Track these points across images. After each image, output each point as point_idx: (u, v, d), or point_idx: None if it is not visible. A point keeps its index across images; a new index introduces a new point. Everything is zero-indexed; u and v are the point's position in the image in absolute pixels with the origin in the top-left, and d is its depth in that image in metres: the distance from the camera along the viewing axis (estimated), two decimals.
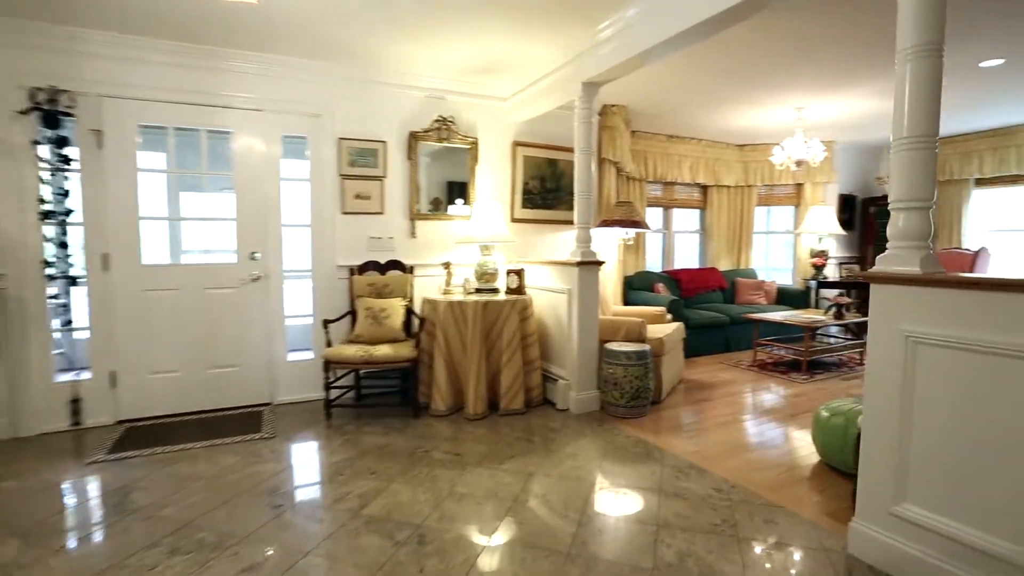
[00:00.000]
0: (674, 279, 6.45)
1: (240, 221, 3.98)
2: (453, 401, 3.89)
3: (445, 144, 4.58)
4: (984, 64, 4.25)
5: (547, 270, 4.26)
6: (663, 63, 4.06)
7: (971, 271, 5.83)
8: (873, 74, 4.41)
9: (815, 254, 6.96)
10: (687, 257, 7.41)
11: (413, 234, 4.56)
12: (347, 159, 4.26)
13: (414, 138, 4.46)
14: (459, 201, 4.70)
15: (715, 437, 3.41)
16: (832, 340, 5.80)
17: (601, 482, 2.77)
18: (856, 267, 7.10)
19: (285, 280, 4.20)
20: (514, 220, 4.98)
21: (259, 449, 3.20)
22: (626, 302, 5.95)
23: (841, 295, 5.16)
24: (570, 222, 5.03)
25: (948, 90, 4.82)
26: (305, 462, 3.04)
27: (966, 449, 1.80)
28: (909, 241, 1.94)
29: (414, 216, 4.53)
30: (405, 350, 3.73)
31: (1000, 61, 4.18)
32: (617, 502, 2.55)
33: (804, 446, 3.25)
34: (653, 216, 6.95)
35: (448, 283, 4.35)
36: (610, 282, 5.61)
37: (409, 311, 4.15)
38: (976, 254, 5.88)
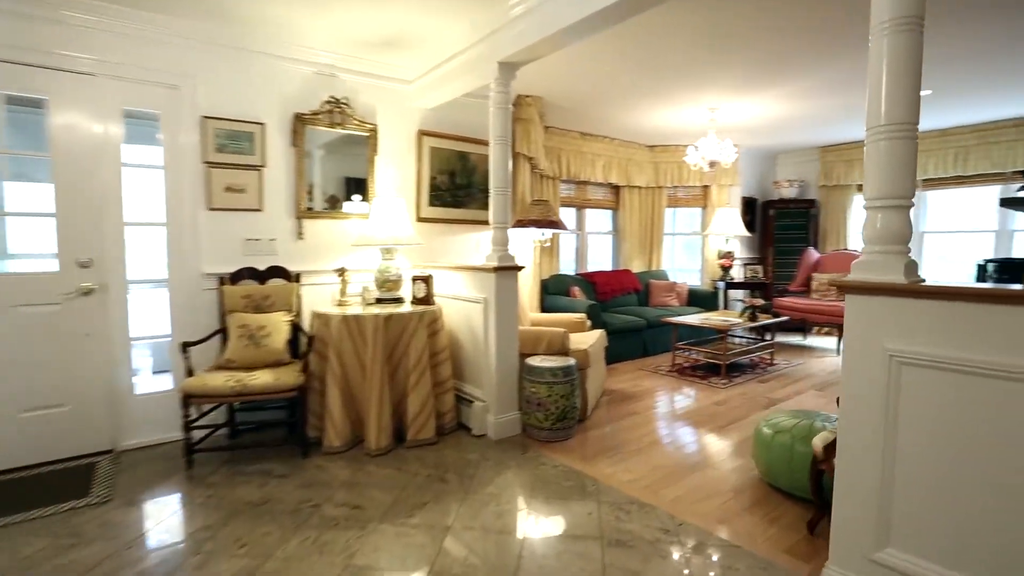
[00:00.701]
0: (590, 282, 6.22)
1: (62, 218, 3.08)
2: (351, 434, 3.28)
3: (339, 130, 3.93)
4: None
5: (459, 276, 3.76)
6: (582, 50, 3.72)
7: None
8: (785, 76, 4.38)
9: (722, 255, 7.06)
10: (599, 259, 7.25)
11: (300, 235, 3.86)
12: (214, 143, 3.48)
13: (300, 121, 3.77)
14: (356, 197, 4.07)
15: (650, 459, 3.10)
16: (739, 340, 5.84)
17: (533, 532, 2.33)
18: (759, 268, 7.32)
19: (135, 291, 3.35)
20: (420, 220, 4.43)
21: (82, 523, 2.40)
22: (542, 308, 5.60)
23: (754, 296, 5.16)
24: (483, 222, 4.57)
25: (840, 94, 4.95)
26: (148, 538, 2.31)
27: (960, 485, 1.56)
28: (889, 245, 1.67)
29: (301, 214, 3.83)
30: (290, 376, 3.06)
31: None
32: (554, 561, 2.12)
33: (743, 463, 3.03)
34: (566, 216, 6.69)
35: (343, 293, 3.71)
36: (526, 287, 5.22)
37: (295, 328, 3.47)
38: None
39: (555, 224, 4.81)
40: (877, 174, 1.68)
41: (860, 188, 7.29)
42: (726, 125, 5.94)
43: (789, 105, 5.27)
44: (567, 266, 6.74)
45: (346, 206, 4.04)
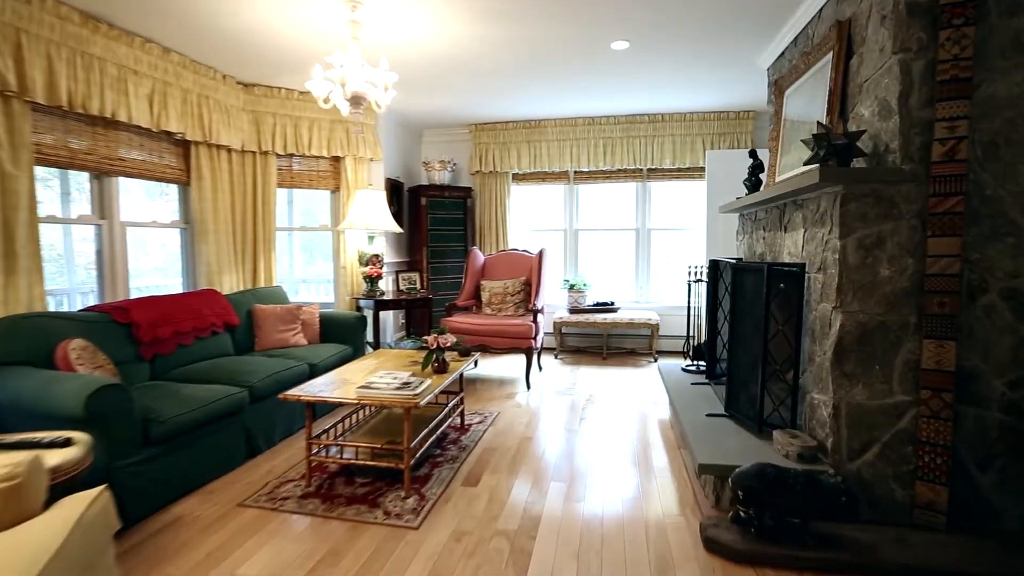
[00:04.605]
0: (120, 322, 3.00)
1: None
2: None
3: None
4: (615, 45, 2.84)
5: None
6: None
7: (539, 273, 4.89)
8: None
9: (367, 260, 4.82)
10: (158, 269, 4.01)
11: None
12: None
13: None
14: None
15: None
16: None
17: None
18: (415, 277, 5.38)
19: None
20: None
21: None
22: None
23: (440, 334, 3.08)
24: None
25: (538, 25, 3.36)
26: None
27: None
28: None
29: None
30: None
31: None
32: None
33: None
34: (52, 188, 3.24)
35: None
36: None
37: None
38: (540, 255, 4.99)
39: None
40: None
41: (518, 177, 6.23)
42: (374, 47, 3.67)
43: (456, 23, 3.38)
44: (76, 292, 3.31)
45: None
